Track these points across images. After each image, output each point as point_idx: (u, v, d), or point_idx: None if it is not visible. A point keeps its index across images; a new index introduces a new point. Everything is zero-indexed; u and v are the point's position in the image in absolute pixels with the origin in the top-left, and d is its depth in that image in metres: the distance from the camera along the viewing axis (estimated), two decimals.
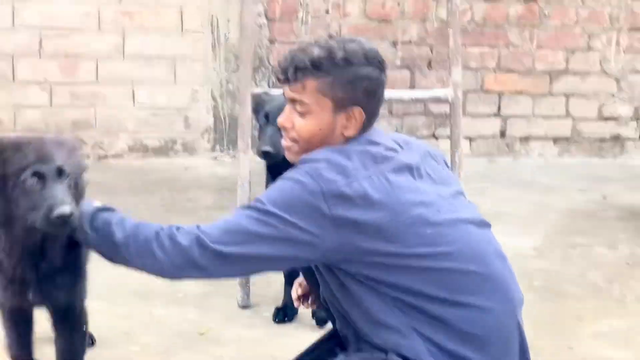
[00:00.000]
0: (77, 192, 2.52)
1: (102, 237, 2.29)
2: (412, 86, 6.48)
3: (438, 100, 4.06)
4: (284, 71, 2.34)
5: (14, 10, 6.00)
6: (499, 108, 6.74)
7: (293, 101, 2.33)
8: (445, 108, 5.95)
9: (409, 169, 2.28)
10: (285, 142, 2.37)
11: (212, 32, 6.27)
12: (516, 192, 5.76)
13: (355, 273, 2.22)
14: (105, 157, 6.23)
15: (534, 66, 6.70)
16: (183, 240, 2.18)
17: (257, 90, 3.83)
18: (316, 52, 2.31)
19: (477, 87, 6.66)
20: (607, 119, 6.81)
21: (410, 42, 6.50)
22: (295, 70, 2.31)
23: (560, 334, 3.49)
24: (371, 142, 2.30)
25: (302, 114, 2.32)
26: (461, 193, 2.38)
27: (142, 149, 6.30)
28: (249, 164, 3.72)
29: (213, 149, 6.40)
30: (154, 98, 6.26)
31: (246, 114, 3.72)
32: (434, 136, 6.67)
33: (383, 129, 2.45)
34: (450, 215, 2.26)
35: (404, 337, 2.20)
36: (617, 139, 6.85)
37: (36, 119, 6.12)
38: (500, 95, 6.72)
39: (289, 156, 2.38)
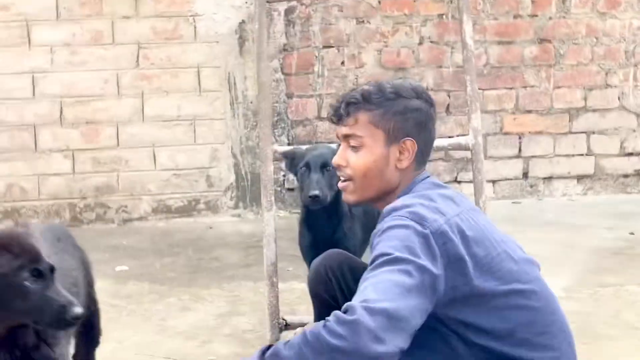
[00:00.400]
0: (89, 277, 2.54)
1: None
2: None
3: (459, 147, 4.05)
4: (336, 110, 2.43)
5: (34, 80, 6.09)
6: (520, 149, 6.73)
7: (346, 137, 2.41)
8: (466, 153, 5.94)
9: (476, 210, 2.35)
10: (340, 184, 2.44)
11: (230, 91, 6.33)
12: (542, 233, 5.71)
13: (447, 317, 2.20)
14: (130, 220, 6.25)
15: (552, 105, 6.69)
16: (349, 315, 2.01)
17: (277, 146, 3.84)
18: (366, 88, 2.43)
19: (497, 129, 6.66)
20: (629, 154, 6.78)
21: (427, 88, 6.50)
22: (347, 106, 2.41)
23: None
24: (436, 184, 2.37)
25: (355, 149, 2.39)
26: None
27: (166, 210, 6.32)
28: (274, 221, 3.71)
29: (236, 206, 6.41)
30: (175, 159, 6.30)
31: (268, 171, 3.72)
32: (457, 180, 6.65)
33: None
34: (520, 254, 2.32)
35: None
36: None
37: (60, 187, 6.17)
38: (520, 136, 6.71)
39: (346, 197, 2.44)
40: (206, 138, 6.33)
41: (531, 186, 6.78)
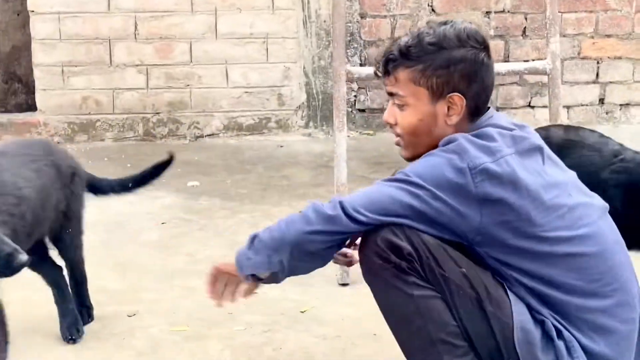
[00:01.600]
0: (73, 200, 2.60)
1: (267, 248, 2.26)
2: (507, 56, 6.37)
3: (536, 71, 3.98)
4: (378, 65, 2.32)
5: None
6: (597, 75, 6.57)
7: (391, 95, 2.29)
8: (541, 77, 5.83)
9: (540, 151, 2.23)
10: (395, 139, 2.34)
11: (303, 9, 6.27)
12: None
13: (490, 256, 2.17)
14: (202, 136, 6.32)
15: (633, 30, 6.49)
16: (327, 208, 2.19)
17: (349, 66, 3.82)
18: (404, 40, 2.26)
19: (575, 54, 6.50)
20: None
21: (504, 11, 6.37)
22: (386, 63, 2.28)
23: None
24: (498, 125, 2.23)
25: (401, 107, 2.27)
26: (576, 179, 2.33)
27: (237, 128, 6.36)
28: (345, 142, 3.72)
29: (307, 125, 6.42)
30: (247, 76, 6.31)
31: (340, 92, 3.71)
32: (530, 105, 6.54)
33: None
34: (581, 199, 2.22)
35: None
36: None
37: (134, 101, 6.25)
38: (598, 61, 6.55)
39: (401, 153, 2.35)
40: (278, 56, 6.32)
41: (607, 112, 6.64)
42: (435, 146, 2.22)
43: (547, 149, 2.27)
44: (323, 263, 2.31)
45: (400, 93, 2.26)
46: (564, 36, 6.30)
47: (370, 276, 2.25)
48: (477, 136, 2.17)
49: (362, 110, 6.40)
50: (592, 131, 3.09)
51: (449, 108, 2.23)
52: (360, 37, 6.35)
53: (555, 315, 2.17)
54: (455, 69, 2.21)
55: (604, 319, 2.17)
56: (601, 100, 6.62)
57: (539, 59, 5.76)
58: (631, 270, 2.27)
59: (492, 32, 6.32)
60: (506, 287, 2.17)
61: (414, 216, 2.14)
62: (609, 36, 6.49)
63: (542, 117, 6.11)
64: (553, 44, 3.81)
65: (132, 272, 3.79)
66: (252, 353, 3.05)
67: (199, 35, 6.22)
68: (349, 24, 6.27)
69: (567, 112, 6.51)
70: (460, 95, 2.22)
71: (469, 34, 2.23)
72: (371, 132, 6.36)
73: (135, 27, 6.17)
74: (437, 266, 2.15)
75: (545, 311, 2.17)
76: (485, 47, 2.26)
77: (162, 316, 3.34)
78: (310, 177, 5.35)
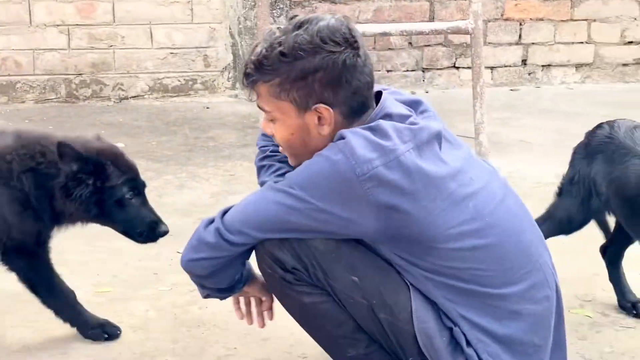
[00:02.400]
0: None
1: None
2: (432, 17, 6.42)
3: (458, 30, 4.02)
4: (242, 80, 2.15)
5: None
6: (520, 36, 6.67)
7: (260, 108, 2.14)
8: (466, 38, 5.89)
9: (438, 137, 2.07)
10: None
11: None
12: (539, 121, 5.73)
13: (395, 254, 2.09)
14: (126, 98, 6.24)
15: None
16: (207, 235, 2.15)
17: (275, 27, 3.80)
18: (257, 52, 2.07)
19: (498, 15, 6.58)
20: (629, 42, 6.73)
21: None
22: (246, 78, 2.10)
23: (586, 261, 3.50)
24: (393, 115, 2.06)
25: (272, 121, 2.12)
26: (471, 152, 2.22)
27: (162, 89, 6.30)
28: None
29: (233, 87, 6.39)
30: (172, 37, 6.24)
31: None
32: (455, 66, 6.62)
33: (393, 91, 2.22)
34: (481, 183, 2.10)
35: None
36: None
37: (55, 62, 6.12)
38: (521, 23, 6.64)
39: (289, 160, 2.22)
40: (203, 17, 6.26)
41: (529, 74, 6.75)
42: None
43: (444, 131, 2.12)
44: (239, 268, 2.26)
45: (266, 108, 2.10)
46: None
47: (268, 285, 2.26)
48: (370, 130, 2.01)
49: None
50: None
51: (319, 118, 2.07)
52: None
53: (466, 314, 2.09)
54: (314, 79, 2.02)
55: (519, 304, 2.11)
56: (524, 62, 6.73)
57: (463, 20, 5.81)
58: (542, 244, 2.23)
59: None
60: (411, 291, 2.09)
61: (297, 230, 2.07)
62: None
63: (467, 78, 6.19)
64: (475, 3, 3.85)
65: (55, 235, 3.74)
66: (177, 312, 3.05)
67: None
68: None
69: (491, 72, 6.60)
70: (325, 106, 2.04)
71: (324, 38, 2.02)
72: None
73: None
74: (325, 276, 2.10)
75: (454, 312, 2.09)
76: (349, 45, 2.04)
77: (86, 278, 3.31)
78: (236, 138, 5.33)
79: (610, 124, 2.94)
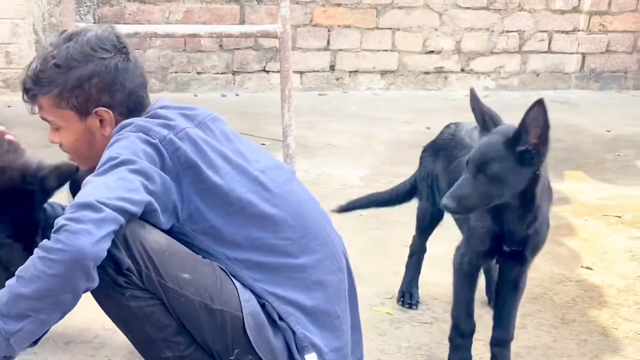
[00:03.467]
0: None
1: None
2: (242, 20, 6.46)
3: (267, 34, 4.08)
4: (23, 95, 2.29)
5: None
6: (329, 42, 6.82)
7: (44, 119, 2.29)
8: (275, 42, 5.97)
9: (217, 122, 2.31)
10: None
11: None
12: (345, 125, 5.89)
13: (202, 241, 2.19)
14: None
15: (361, 0, 6.78)
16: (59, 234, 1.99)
17: (81, 24, 3.72)
18: (33, 67, 2.25)
19: (307, 21, 6.71)
20: (430, 52, 7.03)
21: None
22: (26, 93, 2.27)
23: (387, 259, 3.64)
24: (169, 107, 2.27)
25: (57, 130, 2.29)
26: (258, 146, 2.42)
27: None
28: None
29: None
30: None
31: None
32: (265, 70, 6.69)
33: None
34: (270, 162, 2.31)
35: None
36: (440, 72, 7.09)
37: None
38: (329, 29, 6.79)
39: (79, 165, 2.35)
40: (6, 12, 6.01)
41: (337, 79, 6.92)
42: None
43: (225, 125, 2.33)
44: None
45: (50, 119, 2.27)
46: (297, 3, 6.49)
47: None
48: (153, 116, 2.21)
49: None
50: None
51: (101, 121, 2.25)
52: None
53: (272, 289, 2.20)
54: (90, 85, 2.21)
55: (317, 274, 2.25)
56: (332, 67, 6.89)
57: (272, 24, 5.89)
58: (329, 225, 2.38)
59: None
60: (231, 278, 2.18)
61: (145, 185, 2.08)
62: (339, 5, 6.75)
63: (277, 82, 6.27)
64: (283, 8, 3.92)
65: None
66: None
67: None
68: None
69: (301, 77, 6.71)
70: (105, 108, 2.24)
71: (94, 46, 2.22)
72: None
73: None
74: (158, 276, 2.11)
75: (263, 291, 2.19)
76: (118, 51, 2.24)
77: None
78: (40, 137, 5.13)
79: (457, 124, 3.09)
